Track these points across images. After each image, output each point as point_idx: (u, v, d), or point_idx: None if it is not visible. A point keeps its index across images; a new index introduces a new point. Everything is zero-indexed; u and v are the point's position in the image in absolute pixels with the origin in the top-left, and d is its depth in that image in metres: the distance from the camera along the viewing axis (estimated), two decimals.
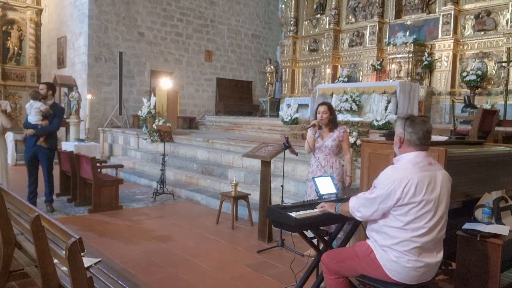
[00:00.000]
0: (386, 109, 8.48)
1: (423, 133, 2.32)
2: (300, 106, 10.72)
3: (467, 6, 10.32)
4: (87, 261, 2.53)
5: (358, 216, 2.43)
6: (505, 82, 9.15)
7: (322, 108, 4.26)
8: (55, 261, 2.35)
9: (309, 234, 3.03)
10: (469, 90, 9.87)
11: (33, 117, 5.60)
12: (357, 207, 2.40)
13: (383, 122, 7.97)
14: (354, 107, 9.30)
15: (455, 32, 10.23)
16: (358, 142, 5.55)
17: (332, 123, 4.29)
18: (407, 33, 11.10)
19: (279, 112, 10.83)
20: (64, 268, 2.35)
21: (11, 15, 13.47)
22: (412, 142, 2.32)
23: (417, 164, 2.29)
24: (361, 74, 12.51)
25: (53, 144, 5.77)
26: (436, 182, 2.29)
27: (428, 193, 2.24)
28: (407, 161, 2.32)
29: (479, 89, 9.84)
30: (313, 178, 3.17)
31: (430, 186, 2.25)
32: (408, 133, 2.32)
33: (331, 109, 4.30)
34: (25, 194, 5.59)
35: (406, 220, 2.24)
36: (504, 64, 9.22)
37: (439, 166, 2.43)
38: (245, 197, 5.41)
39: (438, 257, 2.34)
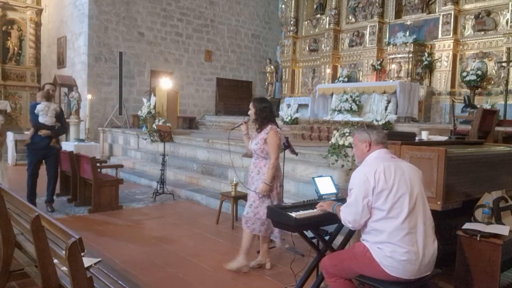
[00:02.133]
0: (386, 109, 8.49)
1: (383, 132, 2.65)
2: (300, 106, 10.75)
3: (467, 6, 10.32)
4: (87, 261, 2.53)
5: (350, 226, 2.49)
6: (505, 82, 9.16)
7: (250, 105, 3.83)
8: (55, 261, 2.35)
9: (309, 234, 3.03)
10: (469, 90, 9.87)
11: (50, 119, 5.54)
12: (346, 217, 2.46)
13: (383, 122, 7.98)
14: (354, 107, 9.32)
15: (455, 32, 10.24)
16: None
17: (259, 122, 3.77)
18: (407, 33, 11.11)
19: (279, 112, 10.84)
20: (64, 268, 2.35)
21: (11, 15, 13.46)
22: (380, 140, 2.56)
23: (381, 157, 2.48)
24: (361, 74, 12.51)
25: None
26: (402, 168, 2.44)
27: (397, 176, 2.37)
28: (372, 158, 2.51)
29: (479, 89, 9.85)
30: (313, 178, 3.17)
31: (397, 171, 2.40)
32: (374, 134, 2.56)
33: (256, 104, 3.77)
34: (24, 195, 5.59)
35: (387, 207, 2.33)
36: (504, 64, 9.22)
37: (401, 160, 2.61)
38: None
39: (432, 248, 2.37)
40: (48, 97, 5.62)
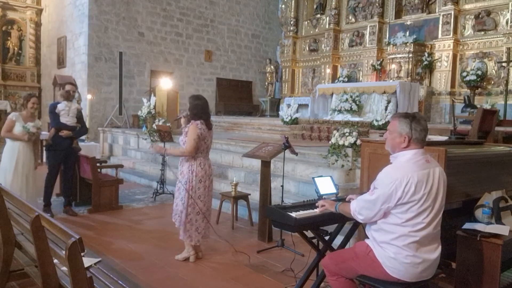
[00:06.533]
0: (386, 109, 8.49)
1: (427, 130, 2.37)
2: (300, 106, 10.73)
3: (467, 6, 10.33)
4: (87, 261, 2.53)
5: (360, 219, 2.42)
6: (505, 82, 9.15)
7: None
8: (55, 261, 2.35)
9: (309, 234, 3.03)
10: (469, 90, 9.87)
11: (71, 119, 5.50)
12: (358, 210, 2.40)
13: (383, 122, 7.97)
14: (354, 107, 9.30)
15: (455, 32, 10.24)
16: (358, 142, 5.56)
17: (190, 118, 3.97)
18: (407, 33, 11.11)
19: (279, 112, 10.84)
20: (64, 268, 2.35)
21: (11, 15, 13.48)
22: (420, 140, 2.34)
23: (416, 162, 2.31)
24: (361, 74, 12.52)
25: None
26: (434, 178, 2.31)
27: (427, 190, 2.26)
28: (406, 160, 2.33)
29: (479, 89, 9.85)
30: (313, 178, 3.17)
31: (429, 183, 2.27)
32: (417, 131, 2.32)
33: (191, 101, 3.98)
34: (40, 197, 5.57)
35: (406, 217, 2.26)
36: (504, 64, 9.22)
37: (436, 163, 2.45)
38: (245, 197, 5.41)
39: (436, 253, 2.35)
40: (68, 97, 5.51)
